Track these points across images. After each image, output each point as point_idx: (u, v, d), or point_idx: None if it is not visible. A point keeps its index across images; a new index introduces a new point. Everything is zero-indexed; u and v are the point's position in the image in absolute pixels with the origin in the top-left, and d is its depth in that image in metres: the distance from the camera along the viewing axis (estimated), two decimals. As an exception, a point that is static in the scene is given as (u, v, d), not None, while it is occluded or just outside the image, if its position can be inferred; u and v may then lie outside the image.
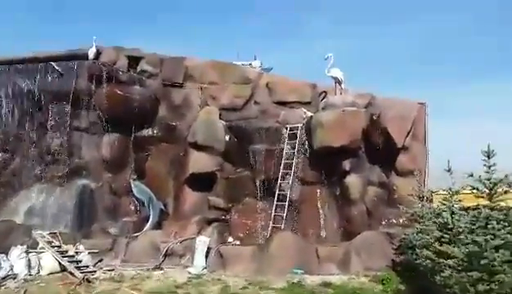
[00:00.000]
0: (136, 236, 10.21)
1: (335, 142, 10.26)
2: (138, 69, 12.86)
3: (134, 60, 12.95)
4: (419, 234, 7.07)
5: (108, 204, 11.83)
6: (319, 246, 9.35)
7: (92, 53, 12.40)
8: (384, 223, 10.36)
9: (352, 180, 10.52)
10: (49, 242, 9.41)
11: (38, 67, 12.24)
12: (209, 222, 10.83)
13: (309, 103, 11.86)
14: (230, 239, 10.24)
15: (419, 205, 8.45)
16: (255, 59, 21.53)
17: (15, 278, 8.49)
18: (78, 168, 12.19)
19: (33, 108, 12.27)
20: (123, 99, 12.02)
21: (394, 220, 10.30)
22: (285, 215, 10.37)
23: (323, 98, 11.73)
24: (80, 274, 8.48)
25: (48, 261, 8.94)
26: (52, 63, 12.06)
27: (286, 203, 10.46)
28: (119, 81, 12.29)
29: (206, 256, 9.35)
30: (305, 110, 11.50)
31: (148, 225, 10.85)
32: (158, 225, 10.99)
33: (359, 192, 10.51)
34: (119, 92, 12.01)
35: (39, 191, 11.78)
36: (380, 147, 10.58)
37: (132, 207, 11.76)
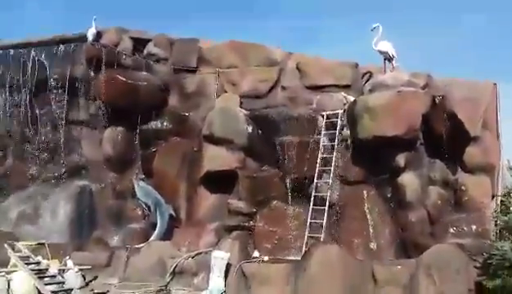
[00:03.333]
0: (139, 248, 8.21)
1: (388, 131, 8.11)
2: (145, 52, 11.07)
3: (140, 43, 11.18)
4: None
5: (111, 208, 10.20)
6: (375, 264, 7.15)
7: (91, 34, 10.65)
8: (452, 231, 8.13)
9: (409, 179, 8.33)
10: (25, 257, 7.42)
11: (30, 53, 10.71)
12: (229, 230, 8.83)
13: (349, 86, 9.73)
14: (255, 254, 8.14)
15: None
16: None
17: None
18: (76, 167, 10.65)
19: (25, 99, 10.73)
20: (127, 86, 10.22)
21: (465, 228, 8.09)
22: (324, 222, 8.22)
23: (367, 80, 9.63)
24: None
25: (21, 284, 6.94)
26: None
27: (326, 208, 8.31)
28: (121, 66, 10.55)
29: (225, 276, 7.25)
30: (345, 95, 9.40)
31: (154, 235, 8.89)
32: (166, 235, 9.00)
33: (417, 193, 8.33)
34: (121, 78, 10.21)
35: (32, 194, 10.35)
36: (445, 137, 8.38)
37: (140, 212, 9.97)
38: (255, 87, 10.25)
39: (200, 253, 7.84)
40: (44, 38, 11.08)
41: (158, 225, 8.96)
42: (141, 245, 8.36)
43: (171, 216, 9.20)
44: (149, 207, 9.24)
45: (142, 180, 9.79)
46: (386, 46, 8.88)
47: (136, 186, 9.23)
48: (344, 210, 8.63)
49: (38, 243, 8.45)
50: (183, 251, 8.20)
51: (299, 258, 7.74)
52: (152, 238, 8.79)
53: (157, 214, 9.05)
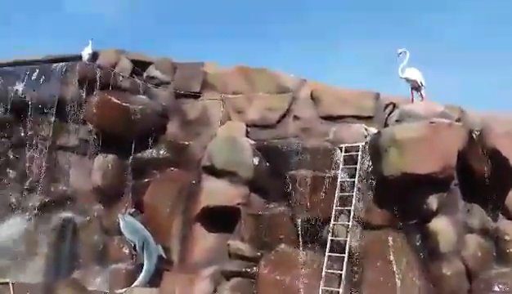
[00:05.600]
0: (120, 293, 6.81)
1: (419, 168, 6.90)
2: (145, 75, 10.20)
3: (140, 66, 10.35)
4: None
5: (95, 245, 8.96)
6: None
7: (86, 54, 9.89)
8: (496, 289, 6.72)
9: (442, 225, 7.07)
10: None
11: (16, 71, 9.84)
12: (228, 277, 7.48)
13: (370, 118, 8.70)
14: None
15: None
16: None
17: None
18: (61, 198, 9.47)
19: (9, 120, 9.71)
20: (121, 109, 9.26)
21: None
22: (343, 272, 6.84)
23: (391, 112, 8.57)
24: None
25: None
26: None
27: (345, 255, 6.96)
28: (117, 88, 9.64)
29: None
30: (366, 127, 8.32)
31: (138, 279, 7.49)
32: (154, 279, 7.61)
33: (452, 242, 7.04)
34: (114, 101, 9.24)
35: (10, 225, 9.13)
36: (485, 177, 7.17)
37: (127, 251, 8.63)
38: (264, 116, 9.27)
39: (191, 306, 6.45)
40: (36, 57, 10.32)
41: (144, 268, 7.58)
42: (122, 291, 6.96)
43: (160, 257, 7.83)
44: (134, 246, 7.89)
45: (131, 214, 8.54)
46: (414, 73, 7.91)
47: (121, 221, 7.95)
48: (366, 259, 7.23)
49: (2, 283, 7.18)
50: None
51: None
52: (136, 282, 7.40)
53: (144, 254, 7.68)
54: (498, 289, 6.68)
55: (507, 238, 7.13)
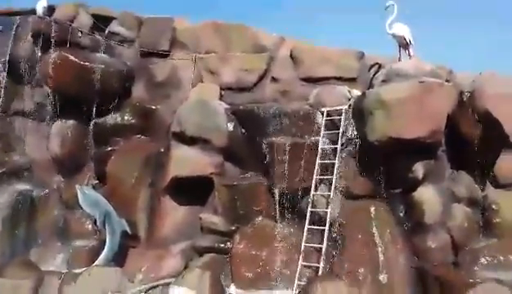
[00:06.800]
0: (78, 274, 6.16)
1: (406, 132, 6.36)
2: (107, 31, 9.20)
3: (102, 21, 9.30)
4: None
5: (55, 220, 8.18)
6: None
7: (41, 7, 8.83)
8: (483, 262, 6.40)
9: (428, 194, 6.64)
10: None
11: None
12: (200, 253, 6.97)
13: (354, 79, 8.07)
14: (231, 290, 6.21)
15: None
16: None
17: None
18: (16, 168, 8.60)
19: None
20: (80, 69, 8.32)
21: (501, 258, 6.38)
22: (324, 246, 6.37)
23: (376, 73, 7.93)
24: None
25: None
26: None
27: (326, 228, 6.47)
28: (76, 45, 8.68)
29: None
30: (349, 89, 7.68)
31: (101, 257, 6.84)
32: (117, 258, 6.96)
33: (438, 212, 6.63)
34: (73, 59, 8.28)
35: None
36: (475, 142, 6.70)
37: (90, 226, 7.88)
38: (240, 78, 8.54)
39: (156, 286, 5.87)
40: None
41: (106, 245, 6.91)
42: (80, 270, 6.32)
43: (124, 232, 7.14)
44: (95, 221, 7.20)
45: (93, 186, 7.81)
46: (402, 29, 7.25)
47: (79, 193, 7.18)
48: (347, 231, 6.78)
49: None
50: (137, 280, 6.26)
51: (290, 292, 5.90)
52: (97, 261, 6.75)
53: (106, 230, 7.02)
54: (485, 261, 6.35)
55: (495, 207, 6.73)
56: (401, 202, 6.86)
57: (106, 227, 6.94)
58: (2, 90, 8.55)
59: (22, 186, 8.38)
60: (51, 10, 9.07)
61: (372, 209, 6.89)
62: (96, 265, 6.53)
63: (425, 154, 6.65)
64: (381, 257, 6.62)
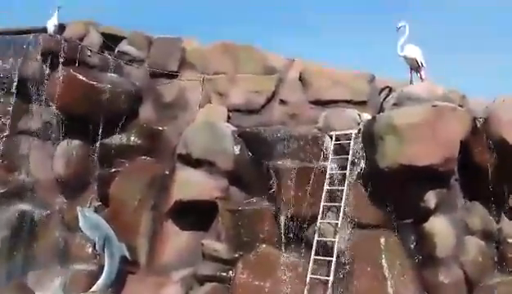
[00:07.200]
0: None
1: (419, 159, 6.12)
2: (116, 50, 9.18)
3: (113, 40, 9.29)
4: None
5: (56, 242, 8.02)
6: None
7: (52, 25, 8.80)
8: (498, 301, 6.06)
9: (440, 225, 6.38)
10: None
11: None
12: (201, 282, 6.71)
13: (364, 103, 7.87)
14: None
15: None
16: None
17: None
18: (19, 188, 8.46)
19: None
20: (87, 88, 8.28)
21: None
22: (331, 279, 6.09)
23: (386, 96, 7.74)
24: None
25: None
26: None
27: (333, 259, 6.20)
28: (85, 64, 8.64)
29: None
30: (359, 113, 7.48)
31: (99, 283, 6.65)
32: (115, 284, 6.77)
33: (451, 246, 6.35)
34: (80, 78, 8.26)
35: None
36: (491, 170, 6.41)
37: (91, 249, 7.70)
38: (248, 99, 8.37)
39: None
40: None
41: (104, 270, 6.73)
42: (78, 297, 6.15)
43: (124, 257, 6.96)
44: (94, 244, 7.03)
45: (95, 208, 7.67)
46: (414, 51, 7.07)
47: (80, 215, 7.04)
48: (355, 263, 6.49)
49: None
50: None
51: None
52: (94, 287, 6.56)
53: (105, 254, 6.84)
54: (499, 300, 6.03)
55: (510, 240, 6.46)
56: (412, 232, 6.58)
57: (106, 251, 6.78)
58: (11, 108, 8.54)
59: (24, 206, 8.25)
60: (61, 28, 9.11)
61: (382, 240, 6.61)
62: (92, 291, 6.33)
63: (438, 183, 6.40)
64: (390, 292, 6.31)
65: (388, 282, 6.31)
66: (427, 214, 6.41)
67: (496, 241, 6.56)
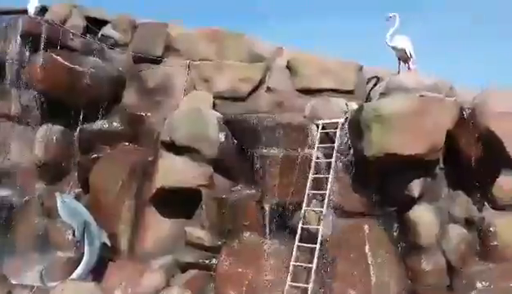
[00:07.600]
0: (51, 288, 5.81)
1: (406, 148, 6.11)
2: (99, 34, 8.98)
3: (96, 24, 9.08)
4: None
5: (35, 229, 7.81)
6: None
7: (32, 7, 8.53)
8: (479, 287, 6.11)
9: (423, 213, 6.41)
10: None
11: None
12: (184, 269, 6.64)
13: (351, 92, 7.85)
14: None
15: None
16: None
17: None
18: (-1, 173, 8.23)
19: None
20: (69, 72, 8.06)
21: (498, 284, 6.09)
22: (314, 266, 6.06)
23: (374, 86, 7.72)
24: None
25: None
26: None
27: (317, 246, 6.17)
28: (67, 48, 8.40)
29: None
30: (346, 102, 7.44)
31: (77, 270, 6.49)
32: (95, 271, 6.63)
33: (433, 233, 6.38)
34: (62, 62, 8.03)
35: None
36: (474, 161, 6.44)
37: (71, 236, 7.50)
38: (234, 87, 8.26)
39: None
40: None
41: (84, 258, 6.58)
42: (54, 284, 5.97)
43: (104, 245, 6.79)
44: (73, 231, 6.85)
45: (75, 195, 7.49)
46: (403, 42, 7.03)
47: (58, 201, 6.86)
48: (339, 250, 6.49)
49: None
50: (116, 296, 5.94)
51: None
52: (73, 274, 6.40)
53: (84, 241, 6.69)
54: (481, 287, 6.08)
55: (492, 229, 6.49)
56: (396, 221, 6.62)
57: (85, 238, 6.62)
58: None
59: (2, 192, 8.02)
60: (43, 10, 8.86)
61: (366, 227, 6.63)
62: (71, 279, 6.18)
63: (422, 172, 6.42)
64: (373, 279, 6.33)
65: (371, 270, 6.32)
66: (411, 202, 6.43)
67: (478, 229, 6.61)
